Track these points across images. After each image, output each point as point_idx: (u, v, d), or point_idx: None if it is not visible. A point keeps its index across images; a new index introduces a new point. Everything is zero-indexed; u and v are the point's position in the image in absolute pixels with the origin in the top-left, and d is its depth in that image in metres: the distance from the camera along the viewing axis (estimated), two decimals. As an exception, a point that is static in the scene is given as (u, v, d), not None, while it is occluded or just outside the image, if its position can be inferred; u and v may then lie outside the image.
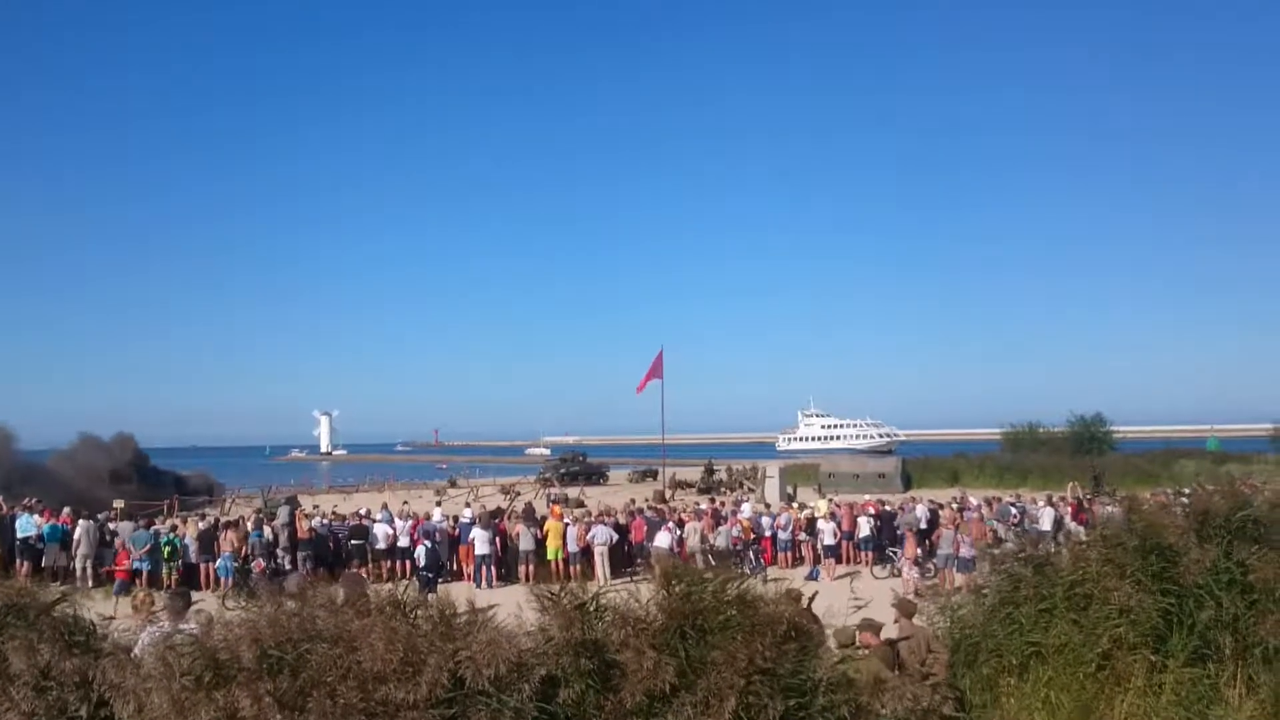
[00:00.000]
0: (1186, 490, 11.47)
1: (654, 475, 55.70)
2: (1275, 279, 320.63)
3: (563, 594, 6.79)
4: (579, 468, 63.24)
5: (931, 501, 29.44)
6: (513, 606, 7.39)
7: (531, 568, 23.04)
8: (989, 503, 29.73)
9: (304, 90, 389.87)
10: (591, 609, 6.76)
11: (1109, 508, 23.83)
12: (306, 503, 36.99)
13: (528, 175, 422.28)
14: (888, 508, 27.98)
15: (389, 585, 11.49)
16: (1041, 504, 28.73)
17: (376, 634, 5.80)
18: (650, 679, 6.28)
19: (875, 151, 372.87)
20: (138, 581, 21.20)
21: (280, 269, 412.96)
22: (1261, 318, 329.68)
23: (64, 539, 22.22)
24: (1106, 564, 9.39)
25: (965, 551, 21.70)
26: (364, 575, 19.23)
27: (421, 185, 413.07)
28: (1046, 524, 25.89)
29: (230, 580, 21.50)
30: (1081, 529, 19.93)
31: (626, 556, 24.40)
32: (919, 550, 23.37)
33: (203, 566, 22.55)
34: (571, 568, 22.89)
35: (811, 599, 9.91)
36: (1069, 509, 28.19)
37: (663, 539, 22.86)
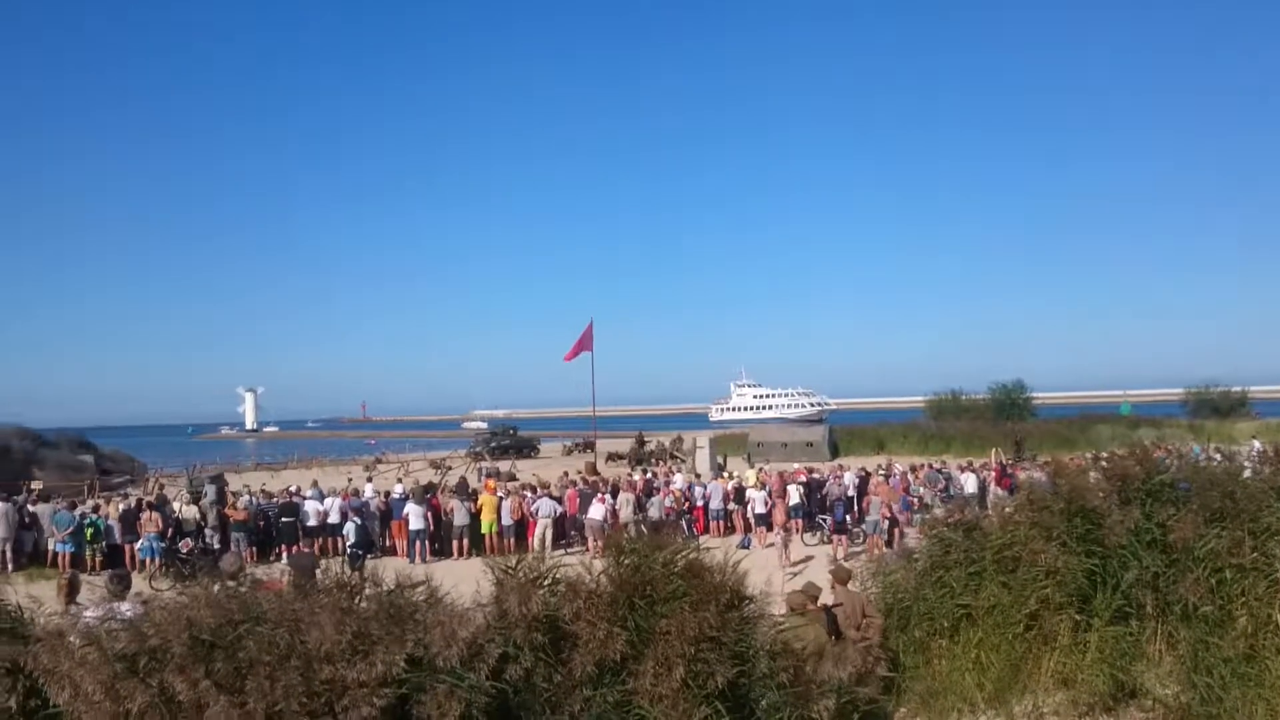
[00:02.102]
0: (1104, 454, 11.75)
1: (591, 447, 55.64)
2: (1179, 251, 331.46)
3: (519, 567, 6.79)
4: (510, 441, 62.95)
5: (861, 469, 29.88)
6: (451, 580, 7.38)
7: (466, 542, 22.97)
8: (914, 469, 30.27)
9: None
10: (546, 582, 6.78)
11: (1031, 473, 24.50)
12: (234, 481, 36.31)
13: (456, 146, 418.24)
14: (816, 475, 28.33)
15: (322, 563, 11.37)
16: (964, 470, 29.34)
17: (325, 615, 5.75)
18: (601, 650, 6.33)
19: (802, 117, 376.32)
20: (60, 564, 20.68)
21: (202, 241, 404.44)
22: (1169, 286, 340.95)
23: (-20, 523, 21.53)
24: (1034, 527, 9.66)
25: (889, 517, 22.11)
26: (314, 553, 18.95)
27: (349, 152, 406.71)
28: (971, 489, 26.44)
29: (157, 561, 21.03)
30: (1006, 494, 20.40)
31: (560, 529, 24.41)
32: (847, 518, 23.74)
33: (127, 547, 22.04)
34: (506, 541, 22.83)
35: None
36: (993, 474, 28.82)
37: (596, 511, 22.91)
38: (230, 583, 7.43)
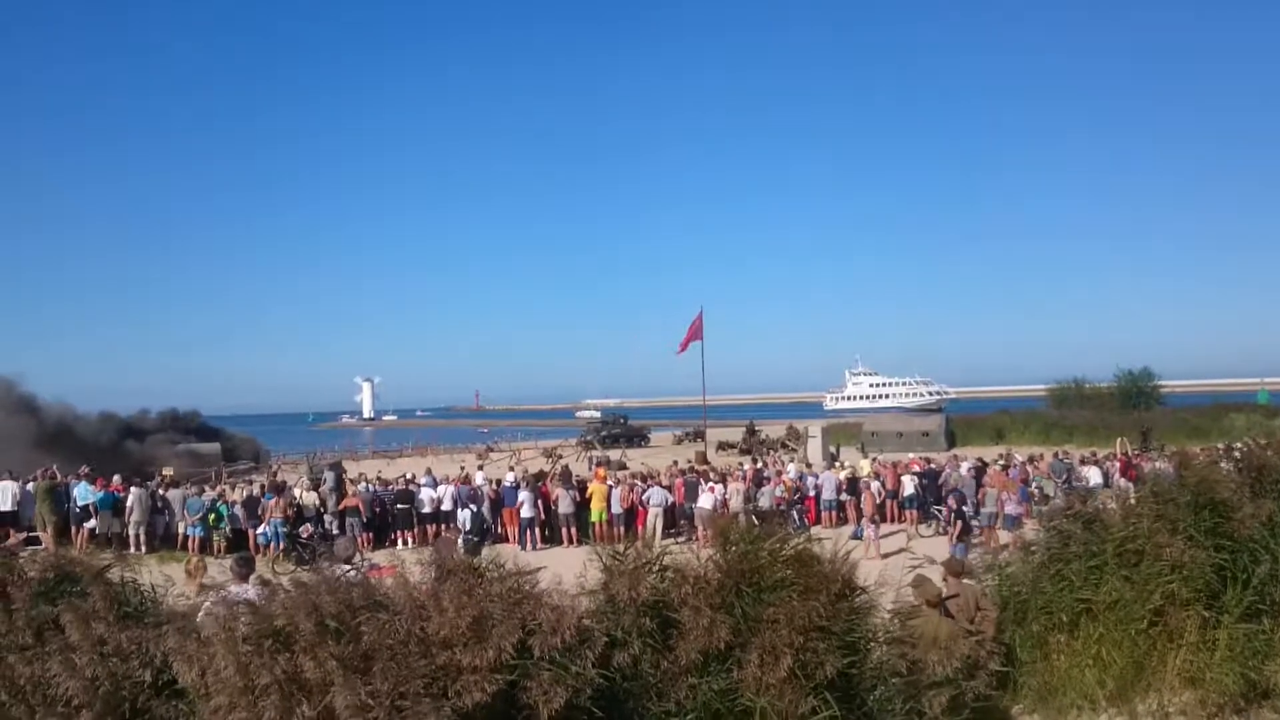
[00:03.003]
0: (1237, 445, 11.26)
1: (701, 436, 55.60)
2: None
3: (627, 554, 6.81)
4: (620, 430, 63.34)
5: (978, 459, 29.19)
6: (558, 568, 7.46)
7: (573, 530, 23.21)
8: (1033, 460, 29.44)
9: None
10: (655, 568, 6.79)
11: (1157, 463, 23.58)
12: (351, 468, 37.35)
13: (564, 139, 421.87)
14: (932, 466, 27.78)
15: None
16: (1086, 463, 28.39)
17: (449, 598, 5.85)
18: (706, 637, 6.31)
19: (913, 116, 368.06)
20: (190, 548, 21.57)
21: (325, 243, 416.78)
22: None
23: (116, 506, 22.59)
24: (1158, 520, 9.30)
25: (1011, 509, 21.52)
26: (455, 540, 19.40)
27: (455, 152, 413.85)
28: (1095, 481, 25.58)
29: (279, 545, 21.78)
30: (1131, 485, 19.68)
31: (670, 518, 24.44)
32: (957, 509, 23.21)
33: (250, 532, 22.88)
34: (616, 529, 22.99)
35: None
36: (1118, 465, 27.83)
37: (706, 500, 22.87)
38: (345, 567, 7.66)
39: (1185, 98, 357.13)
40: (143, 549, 21.60)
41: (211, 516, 22.60)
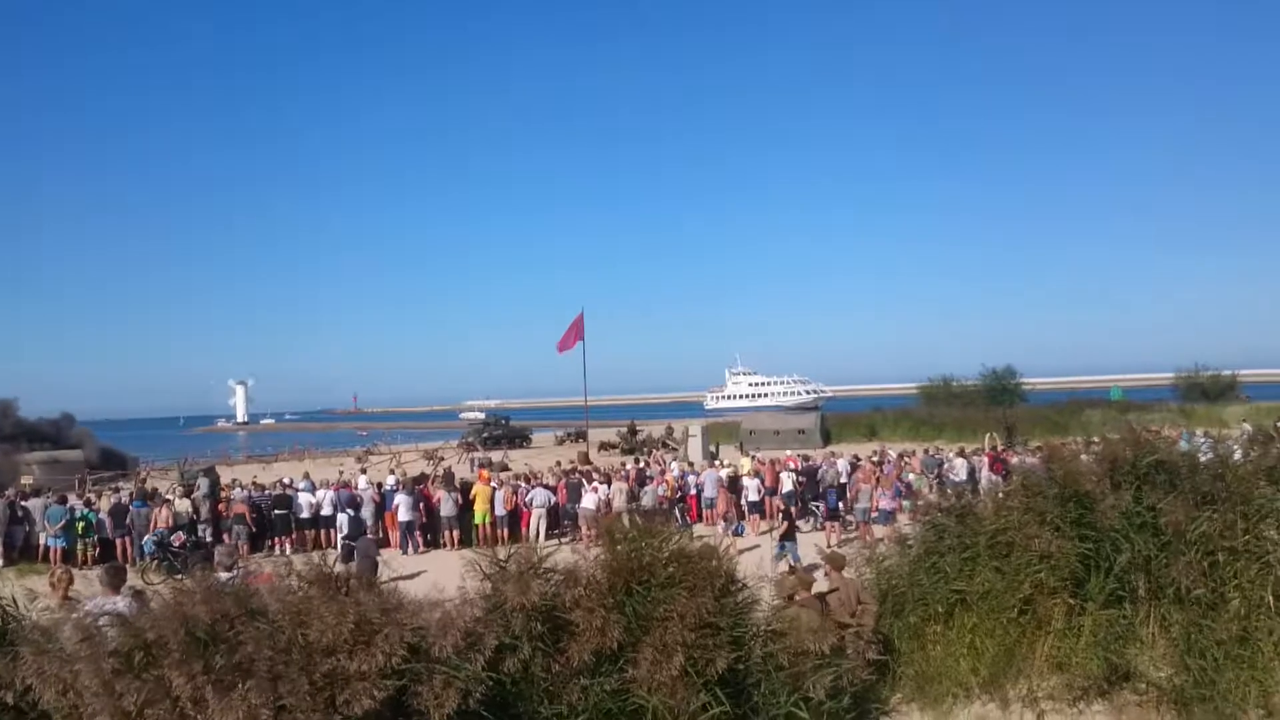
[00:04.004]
0: (1095, 439, 11.76)
1: (583, 437, 55.58)
2: (1170, 237, 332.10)
3: (510, 558, 6.76)
4: (502, 431, 62.88)
5: (853, 456, 29.89)
6: (439, 572, 7.36)
7: (455, 533, 22.95)
8: (903, 457, 30.27)
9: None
10: (540, 570, 6.75)
11: (1023, 458, 24.50)
12: (225, 474, 36.19)
13: (442, 138, 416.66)
14: (810, 463, 28.32)
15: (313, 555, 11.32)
16: (955, 456, 29.32)
17: (325, 606, 5.71)
18: (599, 638, 6.30)
19: (785, 116, 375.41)
20: (52, 559, 20.57)
21: (195, 234, 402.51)
22: (1158, 271, 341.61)
23: (-31, 519, 21.43)
24: (1027, 512, 9.66)
25: (885, 504, 22.12)
26: (376, 541, 18.92)
27: (338, 145, 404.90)
28: (961, 475, 26.45)
29: (149, 555, 20.93)
30: (999, 479, 20.39)
31: (554, 519, 24.37)
32: (840, 505, 23.74)
33: (119, 542, 21.97)
34: (500, 531, 22.82)
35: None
36: (986, 460, 28.83)
37: (589, 500, 22.91)
38: (225, 575, 7.42)
39: (1038, 106, 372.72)
40: (0, 561, 20.56)
41: (80, 525, 21.62)
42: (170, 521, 21.53)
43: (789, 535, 18.91)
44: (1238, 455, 11.16)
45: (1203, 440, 20.29)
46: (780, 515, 22.23)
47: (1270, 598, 8.62)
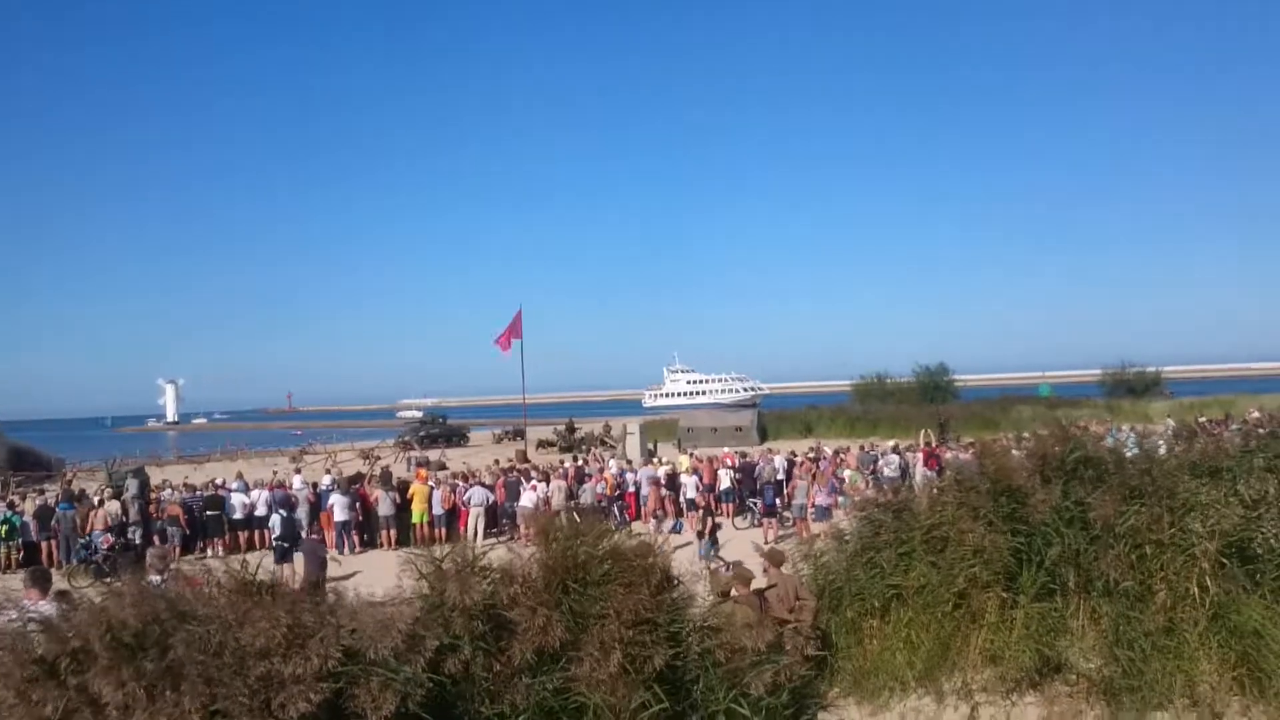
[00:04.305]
0: (1025, 435, 11.96)
1: (521, 435, 55.31)
2: (1099, 235, 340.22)
3: (447, 556, 6.69)
4: (439, 430, 62.40)
5: (790, 453, 30.11)
6: (375, 572, 7.26)
7: (393, 532, 22.70)
8: (838, 453, 30.58)
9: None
10: (477, 569, 6.68)
11: (954, 453, 24.91)
12: (155, 475, 35.39)
13: (379, 134, 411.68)
14: (747, 460, 28.49)
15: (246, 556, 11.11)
16: (889, 452, 29.70)
17: (257, 610, 5.59)
18: (541, 636, 6.26)
19: (729, 114, 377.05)
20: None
21: (123, 233, 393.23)
22: (1086, 270, 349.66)
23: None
24: (961, 507, 9.79)
25: (821, 500, 22.31)
26: (323, 540, 18.55)
27: (270, 140, 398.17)
28: (892, 471, 26.79)
29: (75, 558, 20.40)
30: (933, 475, 20.69)
31: (492, 517, 24.24)
32: (777, 501, 23.89)
33: (43, 545, 21.39)
34: (437, 530, 22.62)
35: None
36: (921, 455, 29.23)
37: (528, 498, 22.83)
38: (156, 578, 7.24)
39: (970, 103, 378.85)
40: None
41: (2, 528, 21.00)
42: (106, 523, 21.02)
43: (710, 533, 19.04)
44: (1163, 450, 11.45)
45: (1129, 435, 20.78)
46: (702, 513, 22.38)
47: (1195, 589, 8.82)
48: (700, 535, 19.59)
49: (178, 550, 21.37)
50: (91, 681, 5.45)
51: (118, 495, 23.21)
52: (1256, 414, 25.92)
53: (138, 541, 21.24)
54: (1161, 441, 12.67)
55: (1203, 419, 35.39)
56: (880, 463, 28.38)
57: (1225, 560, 8.91)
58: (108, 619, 5.74)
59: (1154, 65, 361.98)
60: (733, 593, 9.44)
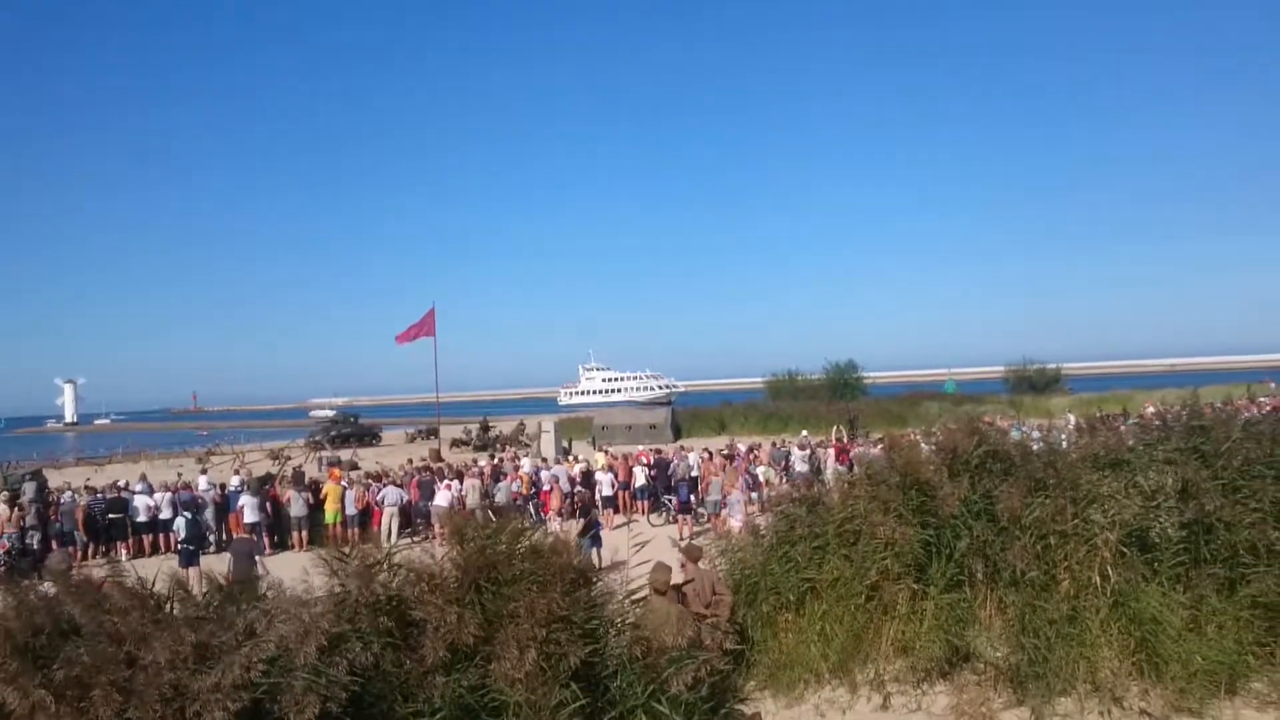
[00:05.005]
0: (934, 430, 12.19)
1: (435, 434, 54.71)
2: (1008, 238, 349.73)
3: (354, 554, 6.60)
4: (351, 429, 61.44)
5: (704, 450, 30.30)
6: (287, 573, 7.12)
7: (305, 533, 22.28)
8: (751, 450, 30.86)
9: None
10: (386, 567, 6.61)
11: (862, 448, 25.31)
12: (54, 477, 34.21)
13: (287, 127, 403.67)
14: (662, 456, 28.59)
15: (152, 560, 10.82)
16: (796, 447, 30.06)
17: (157, 631, 5.43)
18: (453, 634, 6.21)
19: (653, 114, 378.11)
20: None
21: (21, 230, 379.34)
22: (988, 270, 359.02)
23: None
24: (872, 501, 9.97)
25: (734, 496, 22.45)
26: (252, 539, 17.91)
27: (165, 133, 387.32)
28: (801, 466, 27.12)
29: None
30: (844, 470, 20.98)
31: (406, 517, 23.94)
32: (691, 498, 24.02)
33: (-65, 551, 20.49)
34: (351, 531, 22.25)
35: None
36: (832, 450, 29.63)
37: (443, 497, 22.58)
38: (57, 584, 6.99)
39: (889, 103, 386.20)
40: None
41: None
42: (20, 524, 20.25)
43: (586, 531, 18.99)
44: (1065, 444, 11.79)
45: (1034, 430, 21.33)
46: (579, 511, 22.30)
47: (1097, 578, 9.11)
48: (582, 534, 19.52)
49: (79, 555, 20.69)
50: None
51: (13, 500, 22.36)
52: (1152, 409, 26.84)
53: (35, 546, 20.49)
54: (1064, 436, 13.04)
55: (1101, 414, 36.53)
56: (792, 458, 28.71)
57: (1125, 550, 9.22)
58: (5, 626, 5.55)
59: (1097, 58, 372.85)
60: (649, 589, 9.47)
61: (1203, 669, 8.78)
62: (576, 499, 23.52)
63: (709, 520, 22.61)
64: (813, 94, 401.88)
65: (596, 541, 18.00)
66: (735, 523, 18.71)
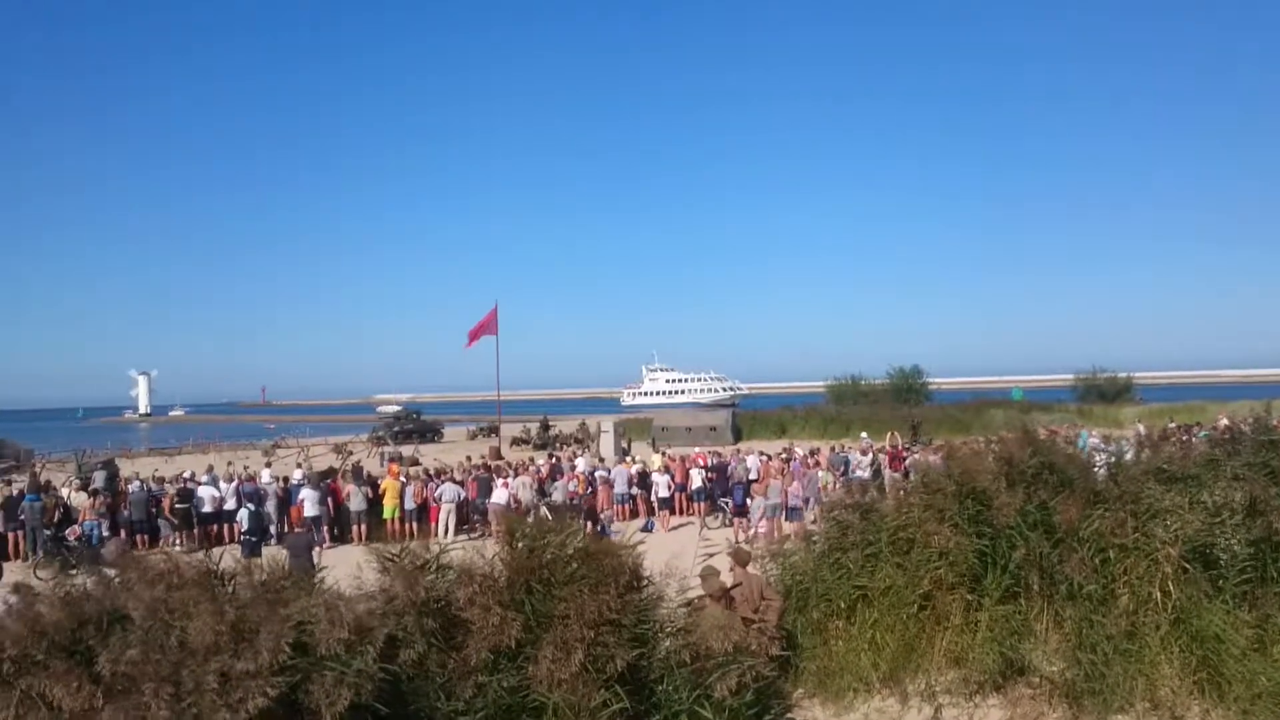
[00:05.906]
0: (994, 438, 11.99)
1: (495, 432, 55.14)
2: (1056, 246, 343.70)
3: (403, 554, 6.64)
4: (413, 425, 62.14)
5: (762, 453, 30.13)
6: (349, 567, 7.20)
7: (364, 528, 22.58)
8: (811, 454, 30.61)
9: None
10: (434, 568, 6.64)
11: (918, 455, 24.95)
12: (126, 467, 35.07)
13: (363, 132, 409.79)
14: (720, 459, 28.48)
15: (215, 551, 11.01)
16: (856, 453, 29.72)
17: (200, 605, 5.51)
18: (496, 635, 6.21)
19: (705, 117, 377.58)
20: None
21: (104, 229, 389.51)
22: (1062, 277, 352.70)
23: None
24: (927, 509, 9.82)
25: (793, 500, 22.30)
26: (309, 532, 18.26)
27: (243, 139, 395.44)
28: (863, 472, 26.80)
29: (40, 550, 20.16)
30: (898, 476, 20.74)
31: (463, 514, 24.15)
32: (748, 501, 23.87)
33: (9, 536, 21.14)
34: (409, 526, 22.50)
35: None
36: (886, 457, 29.28)
37: (499, 495, 22.74)
38: (111, 572, 7.13)
39: (952, 105, 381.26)
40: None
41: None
42: (86, 515, 20.82)
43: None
44: (1129, 456, 11.52)
45: (1099, 441, 20.91)
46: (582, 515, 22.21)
47: (1158, 594, 8.88)
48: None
49: (142, 541, 21.21)
50: (42, 685, 5.35)
51: (85, 487, 22.98)
52: (1225, 421, 26.08)
53: (104, 534, 21.04)
54: (1129, 447, 12.74)
55: (1173, 424, 35.65)
56: (853, 464, 28.42)
57: (1188, 566, 8.98)
58: (37, 620, 5.64)
59: (1160, 63, 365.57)
60: (700, 593, 9.42)
61: (1268, 690, 8.50)
62: (584, 503, 23.57)
63: (763, 523, 22.48)
64: (887, 92, 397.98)
65: None
66: (791, 527, 18.61)
